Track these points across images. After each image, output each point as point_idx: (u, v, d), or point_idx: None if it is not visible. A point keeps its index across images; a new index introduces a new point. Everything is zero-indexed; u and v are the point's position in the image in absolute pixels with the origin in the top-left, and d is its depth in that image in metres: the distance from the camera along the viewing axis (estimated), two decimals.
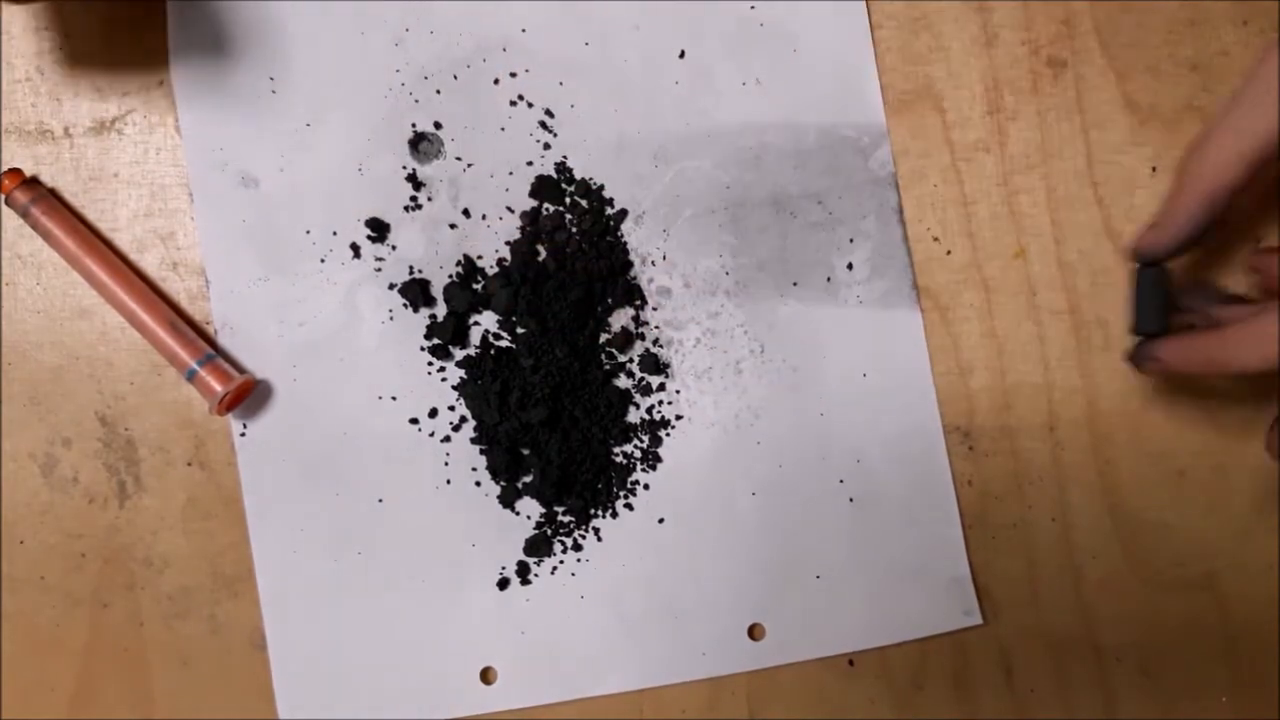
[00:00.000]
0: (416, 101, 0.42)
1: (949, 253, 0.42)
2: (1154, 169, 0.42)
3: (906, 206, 0.42)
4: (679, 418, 0.42)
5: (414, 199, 0.42)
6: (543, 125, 0.42)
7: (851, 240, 0.42)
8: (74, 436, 0.42)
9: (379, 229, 0.42)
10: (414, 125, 0.42)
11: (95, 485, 0.42)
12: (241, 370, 0.41)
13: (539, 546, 0.42)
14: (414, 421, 0.42)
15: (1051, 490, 0.42)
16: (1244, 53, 0.42)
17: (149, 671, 0.42)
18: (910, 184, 0.42)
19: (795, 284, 0.42)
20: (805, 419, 0.42)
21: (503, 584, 0.42)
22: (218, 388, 0.39)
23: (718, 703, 0.42)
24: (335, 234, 0.42)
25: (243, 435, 0.41)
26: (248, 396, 0.41)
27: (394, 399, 0.42)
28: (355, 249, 0.42)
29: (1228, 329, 0.35)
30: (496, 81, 0.42)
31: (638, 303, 0.42)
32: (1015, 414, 0.42)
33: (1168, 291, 0.38)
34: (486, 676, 0.42)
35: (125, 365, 0.42)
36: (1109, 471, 0.42)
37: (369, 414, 0.42)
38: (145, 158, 0.42)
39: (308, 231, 0.42)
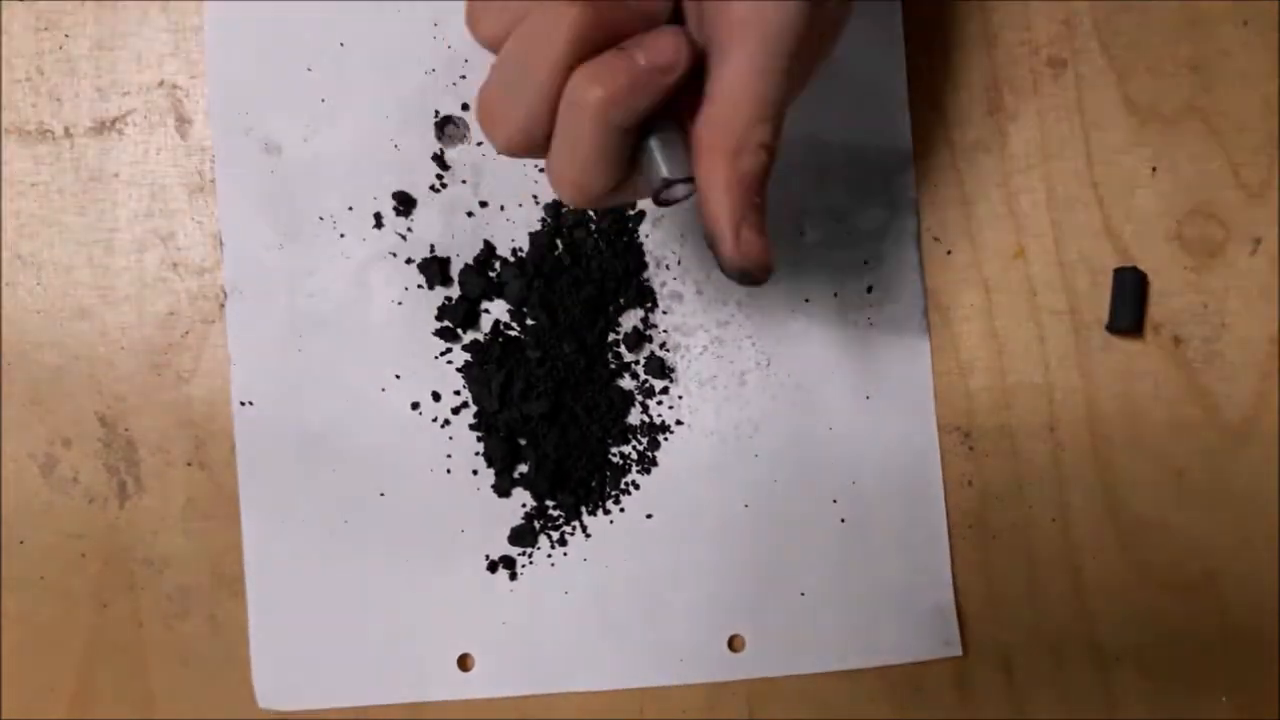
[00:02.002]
0: (451, 85, 0.41)
1: (949, 253, 0.42)
2: (1154, 169, 0.42)
3: None
4: (679, 423, 0.42)
5: (440, 178, 0.42)
6: None
7: (866, 262, 0.42)
8: (74, 437, 0.42)
9: (406, 203, 0.42)
10: (436, 111, 0.42)
11: (95, 485, 0.42)
12: None
13: (524, 537, 0.42)
14: (415, 406, 0.42)
15: (1051, 490, 0.42)
16: (1244, 53, 0.42)
17: (149, 672, 0.42)
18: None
19: (807, 300, 0.42)
20: (805, 436, 0.42)
21: (492, 567, 0.42)
22: None
23: (718, 703, 0.42)
24: (351, 209, 0.41)
25: (243, 405, 0.41)
26: None
27: (398, 377, 0.42)
28: (378, 219, 0.42)
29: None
30: None
31: (648, 305, 0.42)
32: (1015, 414, 0.42)
33: (1144, 293, 0.41)
34: (464, 663, 0.42)
35: (125, 365, 0.42)
36: (1109, 472, 0.42)
37: (372, 390, 0.42)
38: (145, 158, 0.42)
39: (326, 205, 0.42)
